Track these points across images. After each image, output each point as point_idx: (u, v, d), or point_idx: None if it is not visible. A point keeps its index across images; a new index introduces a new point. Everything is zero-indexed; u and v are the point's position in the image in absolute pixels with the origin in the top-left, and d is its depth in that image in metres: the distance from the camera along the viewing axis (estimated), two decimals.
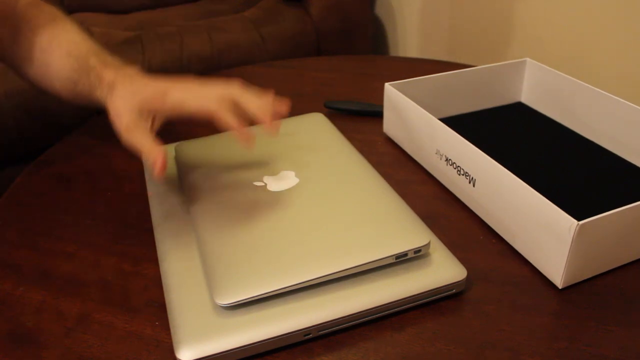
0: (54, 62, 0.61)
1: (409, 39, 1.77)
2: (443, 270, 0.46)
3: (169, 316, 0.43)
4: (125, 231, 0.56)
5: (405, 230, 0.47)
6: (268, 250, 0.45)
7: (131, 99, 0.53)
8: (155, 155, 0.49)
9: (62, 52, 0.61)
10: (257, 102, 0.52)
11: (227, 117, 0.50)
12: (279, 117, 0.52)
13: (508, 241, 0.52)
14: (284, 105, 0.53)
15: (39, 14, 0.63)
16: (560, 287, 0.47)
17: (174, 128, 0.75)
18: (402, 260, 0.46)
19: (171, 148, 0.65)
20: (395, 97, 0.66)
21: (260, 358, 0.42)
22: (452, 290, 0.46)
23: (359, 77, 0.88)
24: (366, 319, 0.44)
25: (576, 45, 1.19)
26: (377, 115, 0.76)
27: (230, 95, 0.52)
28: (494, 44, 1.42)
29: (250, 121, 0.51)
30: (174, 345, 0.41)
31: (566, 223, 0.44)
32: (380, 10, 1.87)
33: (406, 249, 0.45)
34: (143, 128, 0.52)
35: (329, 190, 0.52)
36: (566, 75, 0.67)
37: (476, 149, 0.53)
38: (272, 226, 0.48)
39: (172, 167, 0.62)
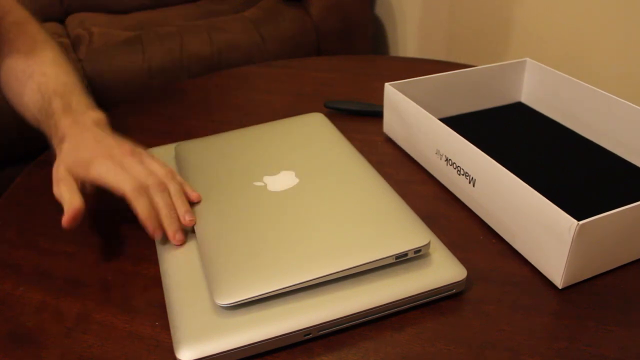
0: (26, 94, 0.60)
1: (408, 39, 1.77)
2: (443, 270, 0.46)
3: (169, 316, 0.43)
4: (125, 231, 0.56)
5: (405, 230, 0.47)
6: (268, 251, 0.45)
7: (68, 156, 0.53)
8: (67, 207, 0.49)
9: (33, 86, 0.59)
10: (175, 195, 0.51)
11: (137, 207, 0.49)
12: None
13: (508, 241, 0.52)
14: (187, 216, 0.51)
15: (20, 35, 0.62)
16: (560, 287, 0.47)
17: (174, 128, 0.75)
18: (402, 260, 0.46)
19: (171, 148, 0.65)
20: (395, 97, 0.66)
21: (260, 358, 0.42)
22: (452, 290, 0.46)
23: (359, 77, 0.88)
24: (366, 319, 0.44)
25: (576, 45, 1.19)
26: (377, 115, 0.76)
27: (146, 181, 0.51)
28: (493, 44, 1.42)
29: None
30: (174, 345, 0.41)
31: (566, 223, 0.44)
32: (380, 10, 1.87)
33: (406, 249, 0.45)
34: (69, 183, 0.51)
35: (329, 190, 0.52)
36: (566, 75, 0.67)
37: (476, 149, 0.53)
38: (272, 226, 0.48)
39: (172, 167, 0.62)
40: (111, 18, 1.60)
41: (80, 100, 0.59)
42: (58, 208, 0.60)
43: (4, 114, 1.24)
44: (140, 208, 0.49)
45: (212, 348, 0.40)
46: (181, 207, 0.51)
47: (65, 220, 0.48)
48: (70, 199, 0.49)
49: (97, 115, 0.58)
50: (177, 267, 0.48)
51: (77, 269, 0.51)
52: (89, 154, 0.52)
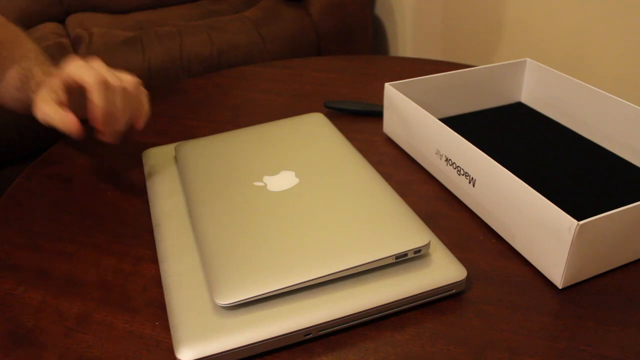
0: (7, 75, 0.64)
1: (409, 39, 1.77)
2: (443, 270, 0.46)
3: (169, 316, 0.43)
4: (125, 231, 0.56)
5: (405, 230, 0.47)
6: (268, 251, 0.45)
7: (44, 85, 0.57)
8: (66, 123, 0.53)
9: (14, 66, 0.64)
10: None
11: (95, 98, 0.53)
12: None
13: (508, 241, 0.52)
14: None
15: (5, 34, 0.66)
16: (560, 287, 0.47)
17: (174, 128, 0.75)
18: (402, 260, 0.46)
19: (171, 148, 0.65)
20: (395, 97, 0.66)
21: (260, 358, 0.42)
22: (452, 290, 0.46)
23: (359, 77, 0.88)
24: (366, 319, 0.44)
25: (576, 45, 1.19)
26: (377, 115, 0.76)
27: (110, 86, 0.55)
28: (494, 44, 1.43)
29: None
30: (174, 345, 0.41)
31: (566, 223, 0.44)
32: (380, 10, 1.87)
33: (406, 249, 0.45)
34: (50, 100, 0.54)
35: (329, 190, 0.52)
36: (566, 75, 0.67)
37: (476, 149, 0.53)
38: (272, 226, 0.48)
39: (172, 167, 0.62)
40: (111, 18, 1.60)
41: (55, 64, 0.64)
42: (58, 208, 0.60)
43: (4, 114, 1.24)
44: (98, 99, 0.53)
45: (212, 348, 0.40)
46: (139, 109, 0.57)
47: (76, 132, 0.53)
48: (60, 116, 0.53)
49: None
50: (177, 267, 0.48)
51: (77, 269, 0.51)
52: (63, 67, 0.56)
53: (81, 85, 0.54)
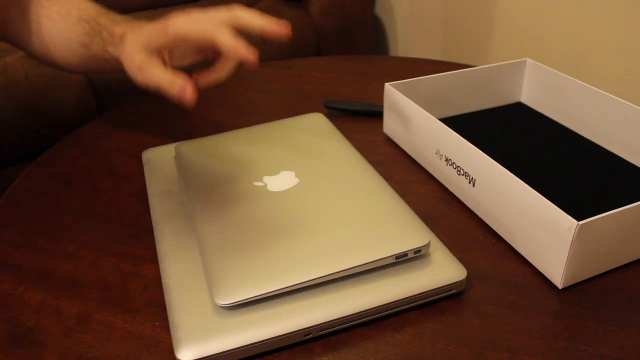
0: (65, 29, 0.62)
1: (409, 39, 1.77)
2: (443, 270, 0.46)
3: (169, 316, 0.43)
4: (125, 231, 0.56)
5: (405, 230, 0.47)
6: (268, 251, 0.45)
7: (137, 41, 0.53)
8: (179, 84, 0.49)
9: (72, 19, 0.62)
10: (259, 19, 0.51)
11: (226, 38, 0.49)
12: (282, 32, 0.52)
13: (508, 241, 0.52)
14: (284, 28, 0.51)
15: None
16: (560, 287, 0.47)
17: (174, 128, 0.75)
18: (402, 260, 0.46)
19: (171, 148, 0.65)
20: (395, 97, 0.66)
21: (260, 358, 0.42)
22: (452, 290, 0.46)
23: (359, 77, 0.88)
24: (366, 319, 0.44)
25: (576, 45, 1.19)
26: (377, 115, 0.76)
27: (231, 20, 0.51)
28: (493, 44, 1.43)
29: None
30: (174, 345, 0.41)
31: (566, 223, 0.44)
32: (380, 10, 1.87)
33: (406, 249, 0.45)
34: (155, 64, 0.51)
35: (329, 191, 0.52)
36: (566, 75, 0.67)
37: (476, 149, 0.53)
38: (272, 226, 0.48)
39: (172, 167, 0.62)
40: None
41: (124, 17, 0.61)
42: (58, 208, 0.60)
43: (4, 114, 1.24)
44: (225, 39, 0.49)
45: (212, 348, 0.40)
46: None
47: (190, 95, 0.48)
48: (170, 77, 0.50)
49: (146, 21, 0.59)
50: (177, 267, 0.48)
51: (77, 269, 0.51)
52: (160, 22, 0.52)
53: (200, 38, 0.50)
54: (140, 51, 0.52)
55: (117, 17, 0.61)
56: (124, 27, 0.58)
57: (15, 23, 0.64)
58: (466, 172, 0.56)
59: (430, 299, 0.45)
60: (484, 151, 0.53)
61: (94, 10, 0.62)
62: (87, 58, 0.63)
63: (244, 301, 0.42)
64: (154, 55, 0.53)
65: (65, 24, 0.62)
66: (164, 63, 0.53)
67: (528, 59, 0.72)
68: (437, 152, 0.60)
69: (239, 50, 0.48)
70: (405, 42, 1.80)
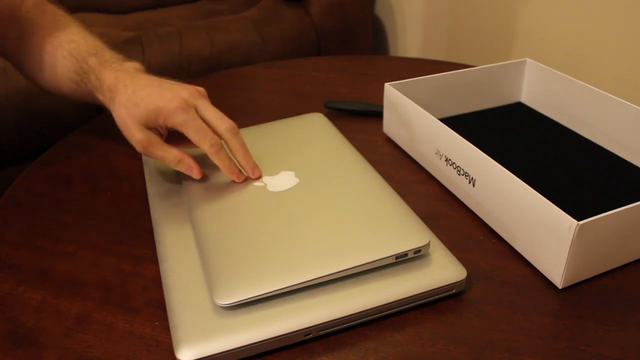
0: (58, 63, 0.62)
1: (409, 39, 1.77)
2: (443, 270, 0.46)
3: (169, 316, 0.43)
4: (125, 231, 0.56)
5: (405, 230, 0.47)
6: (268, 250, 0.45)
7: (134, 111, 0.54)
8: (186, 165, 0.54)
9: (64, 53, 0.61)
10: (240, 154, 0.54)
11: (218, 161, 0.54)
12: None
13: (508, 241, 0.52)
14: (255, 171, 0.55)
15: (42, 15, 0.64)
16: (560, 287, 0.47)
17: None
18: (402, 260, 0.46)
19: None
20: (395, 97, 0.66)
21: (260, 358, 0.42)
22: (452, 290, 0.46)
23: (359, 77, 0.88)
24: (366, 319, 0.44)
25: (576, 45, 1.19)
26: (377, 115, 0.76)
27: (228, 138, 0.54)
28: (494, 44, 1.43)
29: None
30: (174, 345, 0.41)
31: (566, 223, 0.44)
32: (380, 10, 1.87)
33: (406, 249, 0.45)
34: (157, 142, 0.54)
35: (329, 191, 0.52)
36: (566, 75, 0.67)
37: (476, 149, 0.53)
38: (272, 226, 0.48)
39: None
40: (111, 18, 1.60)
41: (113, 55, 0.61)
42: (58, 208, 0.60)
43: (4, 114, 1.24)
44: (222, 162, 0.54)
45: (212, 348, 0.40)
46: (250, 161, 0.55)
47: (197, 172, 0.54)
48: (175, 156, 0.54)
49: (135, 64, 0.60)
50: (177, 267, 0.48)
51: (77, 269, 0.51)
52: (161, 101, 0.53)
53: (196, 145, 0.54)
54: (139, 130, 0.54)
55: (107, 56, 0.60)
56: (113, 76, 0.57)
57: (12, 44, 0.64)
58: (466, 172, 0.56)
59: (430, 299, 0.45)
60: (484, 151, 0.53)
61: (85, 46, 0.61)
62: (77, 93, 0.62)
63: (244, 301, 0.42)
64: (154, 132, 0.55)
65: (56, 57, 0.62)
66: (162, 135, 0.56)
67: (528, 59, 0.72)
68: (437, 152, 0.60)
69: (232, 175, 0.54)
70: (405, 42, 1.80)
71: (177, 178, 0.60)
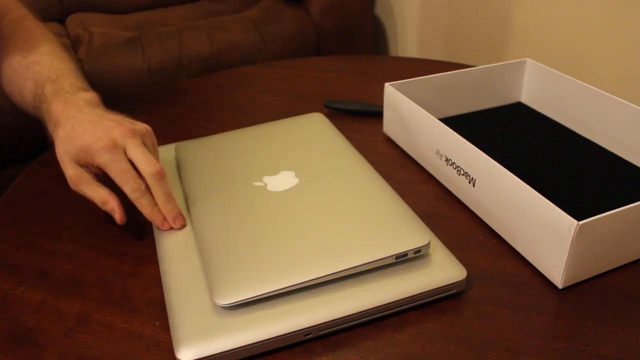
0: (24, 85, 0.61)
1: (408, 39, 1.77)
2: (443, 270, 0.46)
3: (169, 316, 0.43)
4: (125, 231, 0.56)
5: (405, 230, 0.47)
6: (268, 251, 0.45)
7: (68, 147, 0.53)
8: (110, 207, 0.52)
9: (29, 76, 0.60)
10: (160, 194, 0.52)
11: (139, 206, 0.52)
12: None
13: (508, 241, 0.52)
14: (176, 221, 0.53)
15: (17, 31, 0.63)
16: (560, 287, 0.47)
17: (174, 128, 0.75)
18: (402, 260, 0.46)
19: (171, 148, 0.65)
20: (395, 97, 0.66)
21: (260, 358, 0.42)
22: (452, 290, 0.46)
23: (359, 77, 0.88)
24: (366, 319, 0.44)
25: (576, 46, 1.19)
26: (377, 115, 0.76)
27: (151, 184, 0.52)
28: (493, 44, 1.43)
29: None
30: (174, 345, 0.41)
31: (566, 223, 0.44)
32: (380, 10, 1.87)
33: (406, 249, 0.45)
34: (87, 179, 0.53)
35: (329, 191, 0.52)
36: (566, 75, 0.67)
37: (476, 149, 0.53)
38: (272, 226, 0.48)
39: (172, 167, 0.62)
40: (111, 18, 1.60)
41: (72, 83, 0.59)
42: (58, 208, 0.60)
43: (4, 114, 1.24)
44: (143, 209, 0.52)
45: (212, 348, 0.40)
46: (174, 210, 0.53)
47: (120, 217, 0.52)
48: (101, 197, 0.52)
49: (89, 95, 0.58)
50: (177, 267, 0.48)
51: (77, 269, 0.51)
52: (90, 139, 0.52)
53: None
54: (70, 166, 0.53)
55: (66, 83, 0.58)
56: (61, 108, 0.55)
57: None
58: (466, 172, 0.56)
59: (430, 299, 0.45)
60: (484, 151, 0.53)
61: (48, 70, 0.60)
62: (38, 117, 0.60)
63: (244, 301, 0.42)
64: (85, 169, 0.53)
65: (22, 78, 0.61)
66: (95, 174, 0.54)
67: (528, 59, 0.72)
68: (437, 152, 0.60)
69: (155, 221, 0.52)
70: (405, 42, 1.80)
71: (177, 178, 0.60)
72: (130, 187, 0.51)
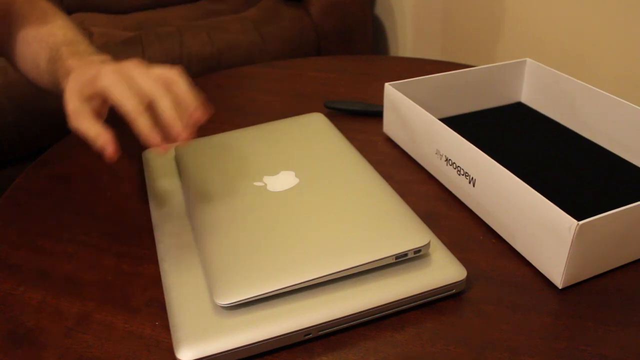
0: (37, 54, 0.62)
1: (409, 39, 1.77)
2: (443, 270, 0.46)
3: (169, 316, 0.43)
4: (125, 231, 0.56)
5: (405, 230, 0.47)
6: (268, 250, 0.45)
7: (74, 87, 0.51)
8: (102, 141, 0.48)
9: (42, 45, 0.62)
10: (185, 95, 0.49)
11: (137, 126, 0.48)
12: (196, 121, 0.50)
13: (508, 241, 0.52)
14: (203, 114, 0.50)
15: (31, 10, 0.65)
16: (560, 287, 0.47)
17: None
18: (402, 260, 0.46)
19: (171, 148, 0.65)
20: (395, 97, 0.66)
21: (260, 358, 0.42)
22: (452, 290, 0.46)
23: (359, 77, 0.88)
24: (366, 319, 0.44)
25: (576, 45, 1.19)
26: (377, 115, 0.76)
27: (153, 97, 0.49)
28: (494, 44, 1.43)
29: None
30: (174, 345, 0.41)
31: (566, 223, 0.44)
32: (380, 10, 1.87)
33: (406, 249, 0.45)
34: (86, 113, 0.50)
35: (329, 191, 0.52)
36: (566, 75, 0.67)
37: (476, 149, 0.53)
38: (272, 226, 0.48)
39: (172, 167, 0.62)
40: (111, 18, 1.60)
41: (86, 49, 0.60)
42: (58, 208, 0.60)
43: (4, 114, 1.24)
44: (141, 127, 0.47)
45: (212, 348, 0.40)
46: (190, 106, 0.49)
47: (110, 153, 0.48)
48: (96, 132, 0.49)
49: (103, 57, 0.58)
50: (177, 267, 0.48)
51: (77, 269, 0.51)
52: (95, 71, 0.50)
53: (120, 109, 0.48)
54: (73, 98, 0.51)
55: (81, 48, 0.59)
56: (76, 62, 0.56)
57: (4, 40, 0.65)
58: (466, 172, 0.56)
59: (430, 299, 0.45)
60: (484, 151, 0.53)
61: (62, 37, 0.61)
62: (52, 85, 0.61)
63: (244, 301, 0.42)
64: (87, 104, 0.51)
65: (36, 49, 0.62)
66: (98, 112, 0.51)
67: (528, 59, 0.72)
68: (437, 152, 0.60)
69: (150, 141, 0.48)
70: (405, 42, 1.80)
71: (177, 178, 0.60)
72: (130, 105, 0.47)
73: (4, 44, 0.66)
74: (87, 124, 0.49)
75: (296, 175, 0.55)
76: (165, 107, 0.48)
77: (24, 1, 0.65)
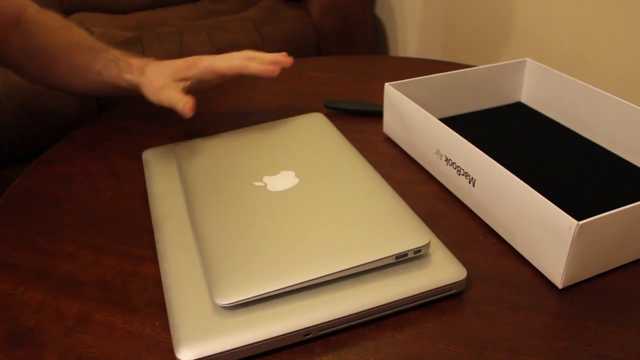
0: (76, 57, 0.67)
1: (408, 39, 1.77)
2: (443, 270, 0.46)
3: (169, 316, 0.43)
4: (125, 231, 0.56)
5: (405, 230, 0.47)
6: (268, 250, 0.45)
7: (164, 70, 0.63)
8: (185, 102, 0.60)
9: (82, 48, 0.68)
10: (270, 55, 0.65)
11: (252, 65, 0.63)
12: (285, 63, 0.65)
13: (508, 241, 0.52)
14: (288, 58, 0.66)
15: (49, 19, 0.69)
16: (560, 287, 0.47)
17: (174, 128, 0.75)
18: (402, 260, 0.46)
19: (171, 148, 0.65)
20: (395, 97, 0.66)
21: (260, 358, 0.42)
22: (452, 290, 0.46)
23: (359, 77, 0.88)
24: (366, 319, 0.44)
25: (576, 45, 1.19)
26: (377, 115, 0.76)
27: (250, 55, 0.64)
28: (493, 44, 1.43)
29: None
30: (174, 345, 0.41)
31: (566, 223, 0.44)
32: (380, 10, 1.87)
33: (406, 249, 0.45)
34: (174, 86, 0.62)
35: (329, 190, 0.52)
36: (566, 75, 0.67)
37: (476, 149, 0.53)
38: (272, 226, 0.48)
39: (172, 167, 0.62)
40: (111, 18, 1.60)
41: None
42: (58, 208, 0.60)
43: (4, 114, 1.24)
44: (255, 67, 0.63)
45: (212, 348, 0.40)
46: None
47: (189, 108, 0.60)
48: (181, 97, 0.61)
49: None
50: (177, 267, 0.48)
51: (77, 269, 0.51)
52: (189, 58, 0.64)
53: (229, 71, 0.63)
54: (165, 77, 0.63)
55: (123, 50, 0.69)
56: (141, 62, 0.66)
57: (15, 50, 0.67)
58: (466, 172, 0.56)
59: (430, 299, 0.45)
60: (484, 151, 0.53)
61: (102, 42, 0.69)
62: (98, 83, 0.68)
63: (244, 301, 0.42)
64: (176, 81, 0.63)
65: (72, 52, 0.68)
66: (182, 87, 0.63)
67: (528, 59, 0.72)
68: (437, 152, 0.60)
69: (269, 70, 0.63)
70: (405, 42, 1.80)
71: (177, 178, 0.60)
72: (238, 58, 0.63)
73: (15, 55, 0.68)
74: (172, 93, 0.61)
75: (296, 175, 0.55)
76: (263, 54, 0.64)
77: (37, 12, 0.68)
